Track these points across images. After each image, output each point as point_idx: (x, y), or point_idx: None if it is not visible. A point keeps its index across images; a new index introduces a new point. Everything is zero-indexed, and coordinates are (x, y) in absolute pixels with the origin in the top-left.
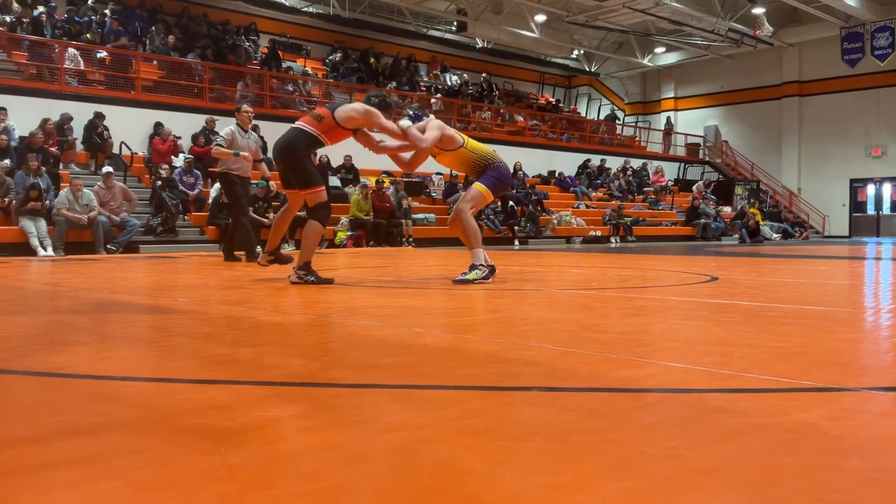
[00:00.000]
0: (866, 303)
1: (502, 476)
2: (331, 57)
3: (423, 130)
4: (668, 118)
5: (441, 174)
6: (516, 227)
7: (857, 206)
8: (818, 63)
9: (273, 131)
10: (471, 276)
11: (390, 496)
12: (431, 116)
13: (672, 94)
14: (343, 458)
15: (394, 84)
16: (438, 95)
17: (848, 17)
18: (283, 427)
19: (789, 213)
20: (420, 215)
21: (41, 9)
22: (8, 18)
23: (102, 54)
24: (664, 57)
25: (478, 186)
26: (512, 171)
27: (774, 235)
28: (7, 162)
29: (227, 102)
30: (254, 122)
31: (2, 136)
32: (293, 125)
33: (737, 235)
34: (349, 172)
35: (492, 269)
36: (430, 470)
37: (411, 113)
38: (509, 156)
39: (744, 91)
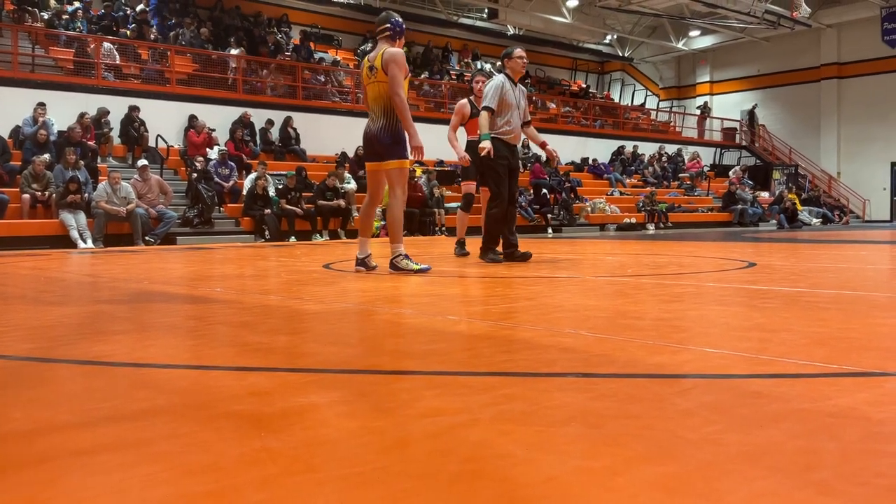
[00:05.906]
0: None
1: (538, 460)
2: (362, 47)
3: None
4: (705, 102)
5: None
6: (549, 215)
7: None
8: (857, 44)
9: (305, 122)
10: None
11: (429, 480)
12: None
13: (707, 78)
14: (382, 442)
15: (426, 74)
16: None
17: None
18: (322, 412)
19: (828, 198)
20: (453, 204)
21: (77, 4)
22: (45, 15)
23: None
24: (699, 40)
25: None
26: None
27: (813, 221)
28: (46, 156)
29: (259, 94)
30: (287, 113)
31: (41, 131)
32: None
33: (774, 221)
34: None
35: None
36: (467, 454)
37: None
38: None
39: (781, 74)
